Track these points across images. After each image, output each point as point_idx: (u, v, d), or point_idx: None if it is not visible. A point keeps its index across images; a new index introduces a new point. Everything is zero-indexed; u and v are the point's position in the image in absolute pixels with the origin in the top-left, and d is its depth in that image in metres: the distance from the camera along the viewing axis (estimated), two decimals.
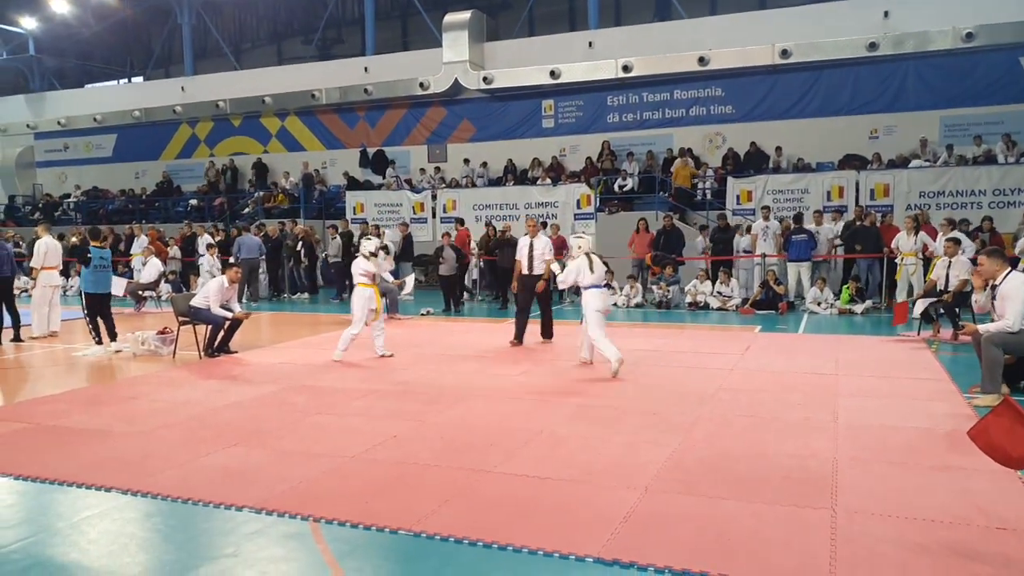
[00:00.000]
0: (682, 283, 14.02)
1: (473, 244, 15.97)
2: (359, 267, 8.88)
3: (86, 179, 25.66)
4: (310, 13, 24.14)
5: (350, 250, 15.52)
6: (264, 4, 24.20)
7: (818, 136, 17.10)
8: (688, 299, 13.61)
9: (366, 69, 20.99)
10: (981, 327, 6.72)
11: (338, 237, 16.58)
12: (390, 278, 13.41)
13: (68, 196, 25.28)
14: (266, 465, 5.04)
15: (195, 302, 9.31)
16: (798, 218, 14.11)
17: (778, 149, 17.13)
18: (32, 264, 10.93)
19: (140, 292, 14.89)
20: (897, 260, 12.68)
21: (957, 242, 10.25)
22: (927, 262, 12.18)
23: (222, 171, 23.30)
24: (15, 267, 10.73)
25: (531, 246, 9.97)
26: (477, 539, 3.79)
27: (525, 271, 9.96)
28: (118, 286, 14.95)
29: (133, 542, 3.96)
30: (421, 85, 19.82)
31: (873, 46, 15.97)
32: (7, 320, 10.60)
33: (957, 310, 9.91)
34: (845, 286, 13.06)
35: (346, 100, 21.28)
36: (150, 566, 3.67)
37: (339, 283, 16.36)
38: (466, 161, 20.17)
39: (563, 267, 8.60)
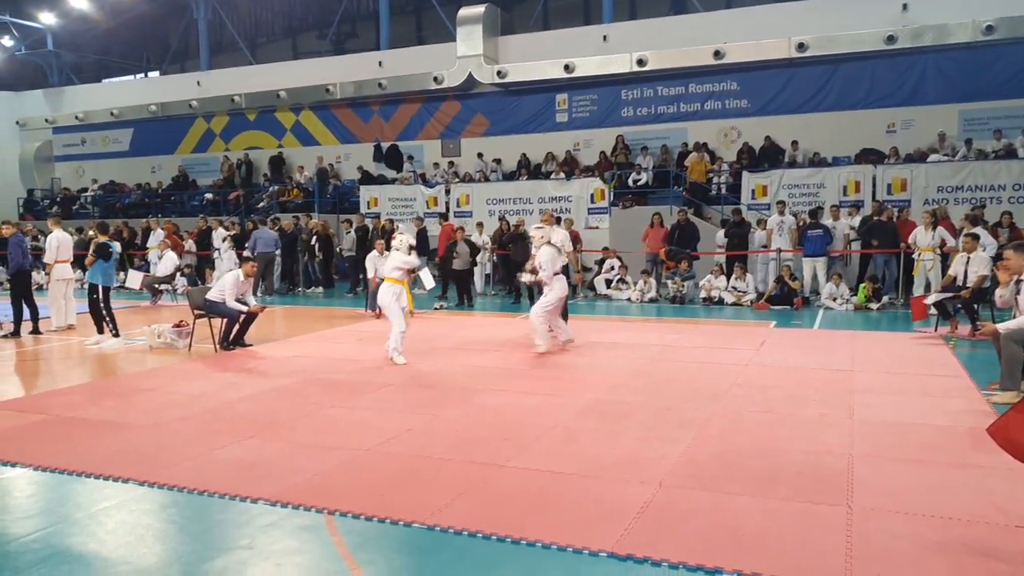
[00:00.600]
0: (697, 278, 13.95)
1: (486, 237, 15.96)
2: (398, 261, 8.37)
3: (103, 173, 25.87)
4: (325, 8, 24.16)
5: (364, 244, 15.56)
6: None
7: (834, 130, 16.93)
8: (703, 294, 13.55)
9: (380, 63, 20.99)
10: (1000, 325, 6.65)
11: (352, 231, 16.62)
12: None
13: (85, 190, 25.50)
14: (281, 458, 5.07)
15: (211, 295, 9.36)
16: (814, 213, 13.99)
17: (794, 143, 16.99)
18: (45, 259, 11.01)
19: (156, 285, 15.01)
20: (914, 256, 12.55)
21: (976, 238, 10.13)
22: (945, 258, 12.05)
23: (237, 165, 23.42)
24: (33, 261, 10.82)
25: (549, 241, 10.05)
26: (491, 533, 3.80)
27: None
28: (135, 279, 15.10)
29: (149, 533, 4.00)
30: (435, 79, 19.80)
31: (891, 39, 15.78)
32: (26, 313, 10.71)
33: (976, 306, 9.80)
34: (862, 285, 12.93)
35: (360, 94, 21.30)
36: (166, 557, 3.70)
37: (353, 277, 16.42)
38: (479, 155, 20.15)
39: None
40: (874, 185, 15.18)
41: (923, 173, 14.92)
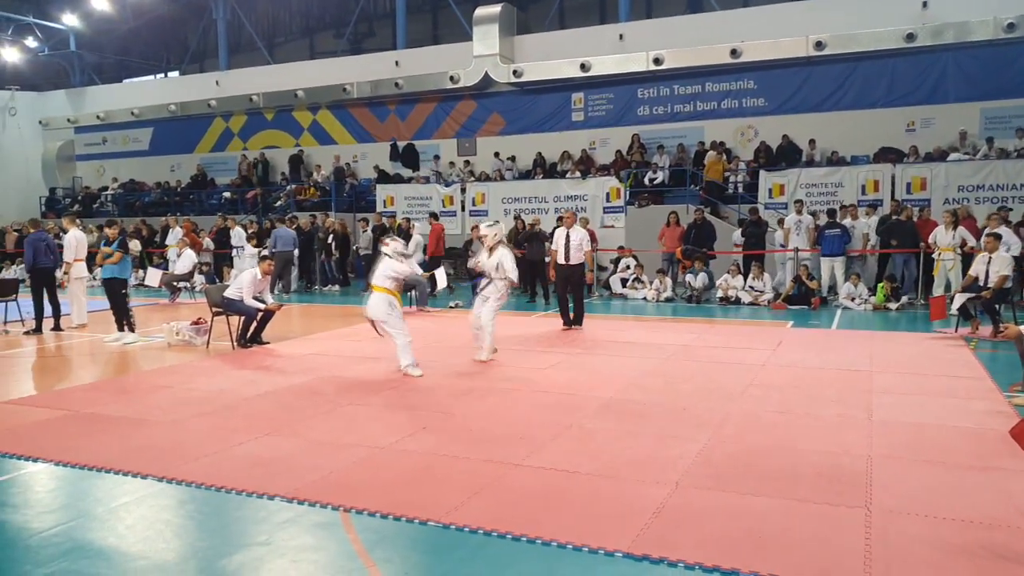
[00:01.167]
0: (713, 277, 13.87)
1: (504, 235, 15.93)
2: (389, 269, 7.73)
3: (123, 172, 26.15)
4: (342, 7, 24.29)
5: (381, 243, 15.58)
6: None
7: (853, 129, 16.77)
8: (719, 293, 13.48)
9: (397, 63, 21.06)
10: None
11: (369, 230, 16.68)
12: (419, 271, 13.50)
13: (106, 189, 25.79)
14: (297, 454, 5.10)
15: (228, 293, 9.43)
16: (832, 212, 13.87)
17: (811, 142, 16.86)
18: (66, 258, 11.14)
19: (175, 283, 15.15)
20: (934, 255, 12.41)
21: (998, 237, 10.00)
22: (966, 258, 11.90)
23: (254, 164, 23.58)
24: (58, 258, 10.94)
25: (567, 237, 10.38)
26: (506, 531, 3.80)
27: (561, 260, 10.46)
28: (153, 277, 15.25)
29: (168, 528, 4.04)
30: (451, 79, 19.83)
31: (911, 37, 15.62)
32: (47, 310, 10.84)
33: (997, 307, 9.68)
34: (880, 285, 12.82)
35: (377, 94, 21.38)
36: (184, 552, 3.74)
37: (369, 276, 16.45)
38: (496, 155, 20.16)
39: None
40: (893, 184, 15.03)
41: (943, 172, 14.75)
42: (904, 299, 12.65)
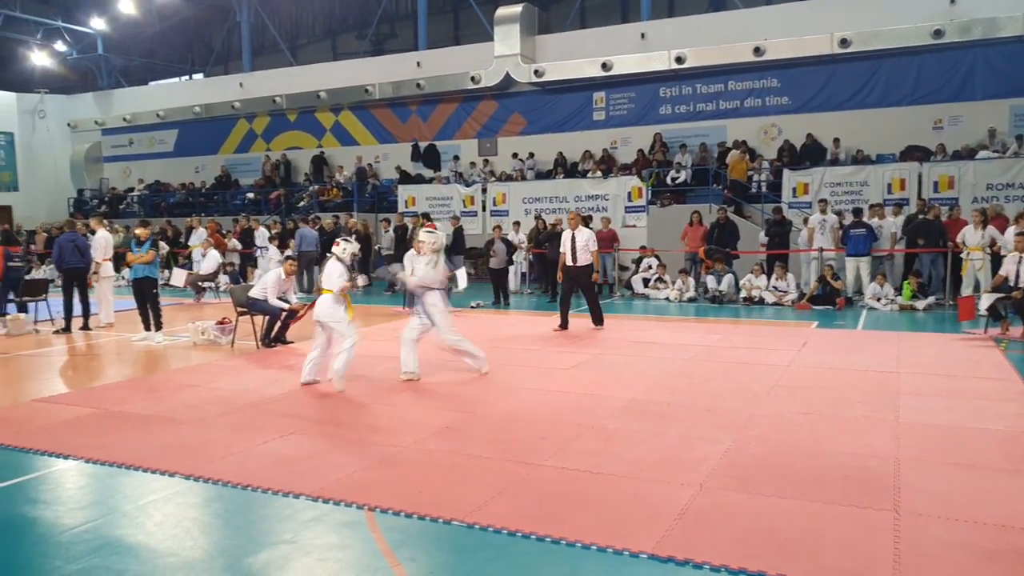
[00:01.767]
0: (737, 277, 13.77)
1: (521, 236, 15.97)
2: (335, 275, 7.22)
3: (149, 173, 26.50)
4: (364, 9, 24.43)
5: (403, 243, 15.71)
6: (319, 1, 24.61)
7: (878, 127, 16.55)
8: (743, 294, 13.37)
9: (418, 64, 21.13)
10: None
11: (391, 230, 16.76)
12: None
13: (132, 190, 26.15)
14: (322, 453, 5.14)
15: (253, 293, 9.52)
16: (857, 211, 13.70)
17: (836, 141, 16.66)
18: (96, 258, 11.31)
19: (200, 283, 15.32)
20: (962, 255, 12.22)
21: None
22: (995, 258, 11.71)
23: (276, 165, 23.79)
24: (89, 259, 11.10)
25: (573, 238, 10.46)
26: (530, 532, 3.80)
27: (569, 262, 10.50)
28: (179, 277, 15.43)
29: (195, 526, 4.09)
30: (472, 79, 19.85)
31: (938, 33, 15.37)
32: (76, 309, 11.01)
33: None
34: (906, 281, 12.65)
35: (399, 95, 21.47)
36: (211, 550, 3.78)
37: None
38: (514, 155, 20.17)
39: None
40: (920, 183, 14.82)
41: (971, 170, 14.51)
42: (932, 299, 12.47)
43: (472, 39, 21.59)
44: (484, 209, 18.87)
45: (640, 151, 18.41)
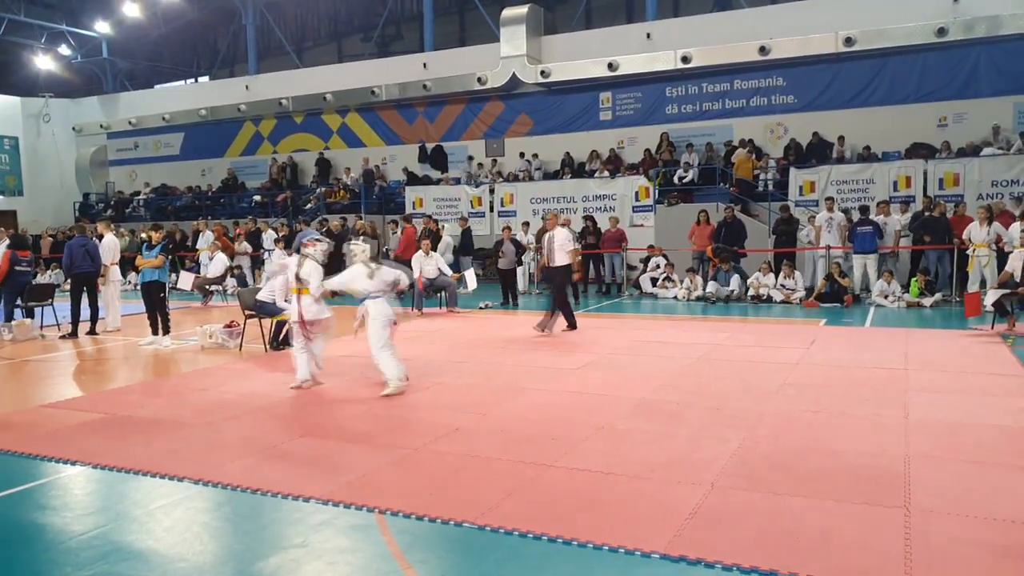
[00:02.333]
0: (745, 276, 13.72)
1: (530, 237, 15.96)
2: (315, 276, 7.31)
3: (155, 177, 26.57)
4: (369, 11, 24.46)
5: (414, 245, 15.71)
6: (325, 3, 24.65)
7: (884, 125, 16.50)
8: (751, 292, 13.33)
9: (424, 65, 21.14)
10: None
11: (399, 232, 16.76)
12: (449, 272, 13.57)
13: (138, 193, 26.22)
14: (331, 456, 5.14)
15: (261, 296, 9.53)
16: (864, 209, 13.65)
17: (841, 139, 16.61)
18: (104, 261, 11.34)
19: (207, 286, 15.36)
20: (968, 252, 12.17)
21: None
22: (1001, 254, 11.65)
23: (283, 167, 23.83)
24: (100, 262, 11.13)
25: (550, 239, 10.30)
26: (541, 533, 3.79)
27: (551, 264, 10.34)
28: (186, 281, 15.47)
29: (205, 531, 4.09)
30: (479, 80, 19.86)
31: (942, 31, 15.31)
32: (85, 313, 11.04)
33: None
34: (914, 279, 12.61)
35: (405, 96, 21.48)
36: (221, 555, 3.78)
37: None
38: (521, 155, 20.17)
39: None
40: (925, 180, 14.77)
41: (976, 167, 14.46)
42: (938, 296, 12.42)
43: (478, 40, 21.60)
44: (492, 210, 18.87)
45: (647, 151, 18.40)
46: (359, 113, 23.11)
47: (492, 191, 18.99)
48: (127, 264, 13.21)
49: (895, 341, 9.15)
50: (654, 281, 14.65)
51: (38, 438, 5.74)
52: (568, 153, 19.41)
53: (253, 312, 9.59)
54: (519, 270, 15.22)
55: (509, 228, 14.97)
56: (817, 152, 16.67)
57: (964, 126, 15.98)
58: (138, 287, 11.81)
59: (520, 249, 14.68)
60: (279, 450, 5.28)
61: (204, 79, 28.14)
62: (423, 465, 4.90)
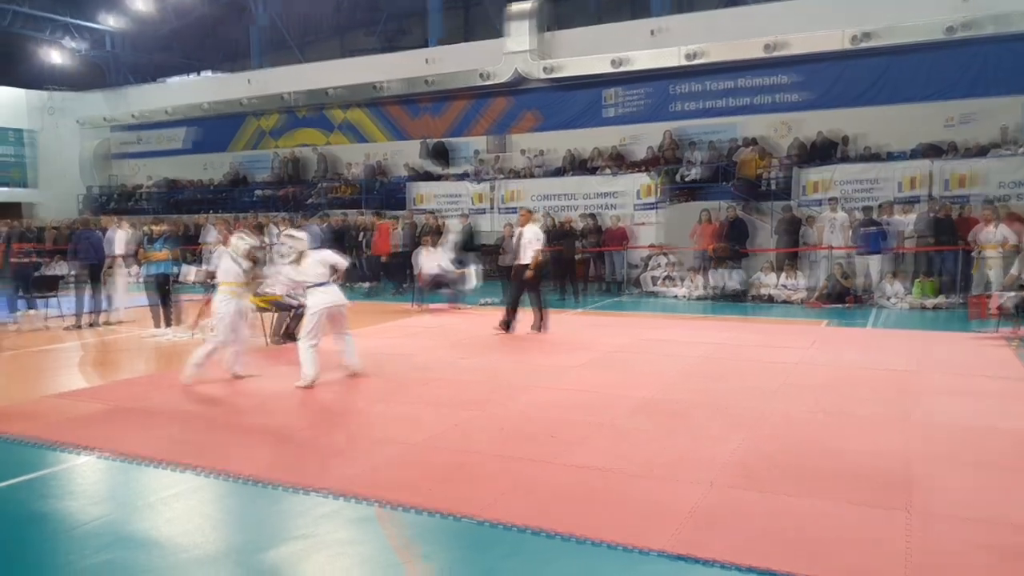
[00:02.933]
0: (748, 275, 13.73)
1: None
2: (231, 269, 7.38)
3: (159, 170, 26.56)
4: (373, 6, 24.44)
5: (413, 240, 15.75)
6: None
7: (891, 124, 16.43)
8: (752, 292, 13.33)
9: (428, 60, 21.12)
10: None
11: (400, 227, 16.77)
12: (451, 268, 13.58)
13: (141, 187, 26.26)
14: (334, 450, 5.16)
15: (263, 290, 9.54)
16: (868, 209, 13.62)
17: (846, 138, 16.58)
18: (111, 254, 11.39)
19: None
20: (973, 253, 12.15)
21: None
22: (1009, 256, 11.62)
23: (286, 162, 23.85)
24: (104, 255, 11.18)
25: (520, 235, 10.08)
26: (543, 529, 3.81)
27: (519, 261, 10.09)
28: (189, 274, 15.47)
29: (209, 521, 4.12)
30: (483, 76, 19.83)
31: (951, 30, 15.24)
32: (88, 305, 11.07)
33: None
34: (918, 280, 12.59)
35: (409, 92, 21.46)
36: (226, 546, 3.81)
37: (400, 273, 16.61)
38: (522, 151, 20.15)
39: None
40: (931, 181, 14.71)
41: (984, 168, 14.41)
42: (943, 298, 12.40)
43: (483, 35, 21.56)
44: (493, 207, 18.86)
45: (651, 148, 18.37)
46: (363, 108, 23.08)
47: (493, 187, 18.97)
48: (135, 256, 13.25)
49: (899, 342, 9.15)
50: (656, 280, 14.66)
51: (46, 427, 5.77)
52: (571, 150, 19.40)
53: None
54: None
55: (511, 225, 14.95)
56: (823, 151, 16.63)
57: (972, 127, 15.90)
58: (142, 280, 11.84)
59: None
60: (282, 442, 5.31)
61: (207, 73, 28.13)
62: (424, 461, 4.92)
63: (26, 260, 11.45)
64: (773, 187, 16.46)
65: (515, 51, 19.24)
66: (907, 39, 15.81)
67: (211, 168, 25.81)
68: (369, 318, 11.99)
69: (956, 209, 13.38)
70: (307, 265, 7.23)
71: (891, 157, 16.07)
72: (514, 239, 10.33)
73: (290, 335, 9.64)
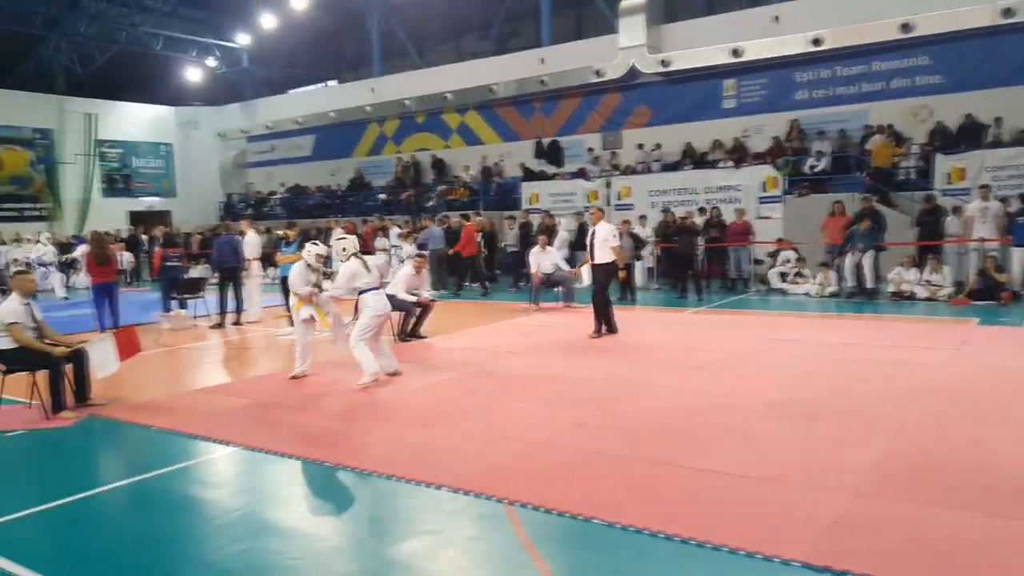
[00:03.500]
0: (884, 270, 12.89)
1: (649, 230, 15.68)
2: (303, 278, 7.66)
3: (289, 177, 28.10)
4: (487, 9, 24.75)
5: (527, 239, 15.85)
6: (444, 3, 25.14)
7: None
8: (891, 288, 12.51)
9: (542, 60, 21.20)
10: None
11: (516, 227, 16.93)
12: (565, 267, 13.55)
13: (274, 193, 27.85)
14: (460, 446, 5.24)
15: (388, 290, 9.84)
16: None
17: (997, 120, 15.23)
18: (247, 256, 12.12)
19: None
20: None
21: None
22: None
23: (406, 166, 24.59)
24: (243, 258, 11.90)
25: (592, 234, 9.78)
26: (672, 534, 3.70)
27: (593, 261, 9.81)
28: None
29: (344, 513, 4.28)
30: (596, 72, 19.69)
31: None
32: (231, 305, 11.82)
33: None
34: None
35: (522, 92, 21.63)
36: (360, 536, 3.94)
37: (515, 271, 16.77)
38: (640, 146, 19.84)
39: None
40: None
41: None
42: None
43: (594, 33, 21.40)
44: (608, 204, 18.67)
45: (775, 139, 17.64)
46: (477, 111, 23.47)
47: (608, 184, 18.78)
48: (269, 259, 14.05)
49: None
50: (783, 276, 14.03)
51: (194, 420, 6.19)
52: (689, 143, 18.91)
53: None
54: (637, 264, 14.97)
55: (628, 222, 14.74)
56: (968, 136, 15.38)
57: None
58: (277, 281, 12.52)
59: (638, 243, 14.44)
60: (410, 438, 5.44)
61: (333, 83, 29.45)
62: (549, 459, 4.90)
63: (177, 264, 12.35)
64: (911, 176, 15.40)
65: (629, 46, 18.98)
66: None
67: (338, 174, 27.02)
68: (484, 317, 12.16)
69: None
70: (363, 270, 7.43)
71: None
72: (587, 239, 10.08)
73: (414, 333, 9.92)
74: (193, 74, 28.84)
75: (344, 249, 7.46)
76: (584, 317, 11.48)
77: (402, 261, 14.40)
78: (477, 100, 22.75)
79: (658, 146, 19.46)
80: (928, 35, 15.71)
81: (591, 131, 21.35)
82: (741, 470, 4.54)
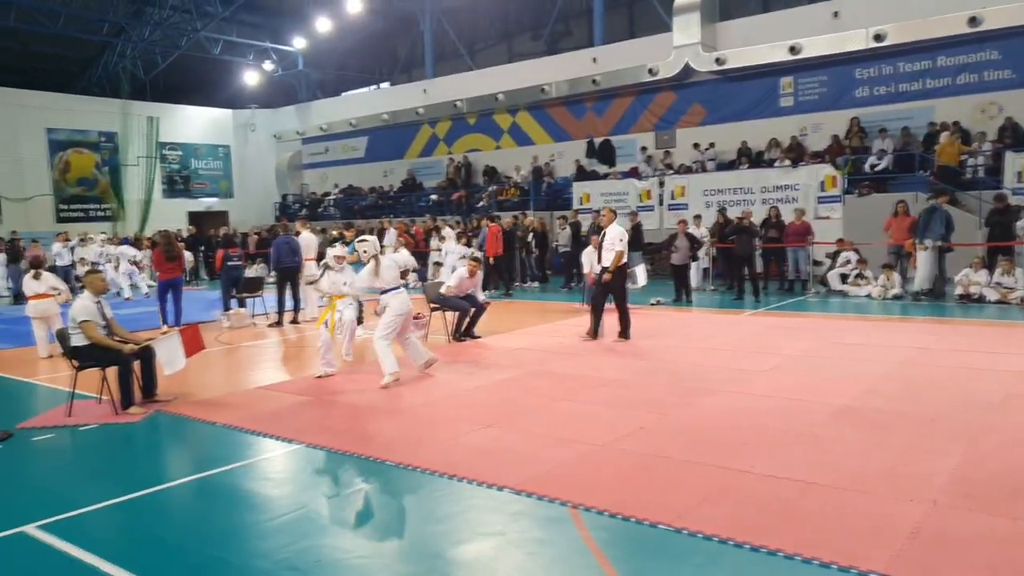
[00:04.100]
0: (950, 272, 12.43)
1: (704, 230, 15.43)
2: (360, 280, 7.91)
3: (343, 178, 28.52)
4: (539, 10, 24.72)
5: (579, 239, 15.76)
6: (495, 4, 25.20)
7: None
8: (959, 291, 12.07)
9: (594, 60, 21.08)
10: None
11: (568, 227, 16.84)
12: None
13: (328, 194, 28.30)
14: (520, 447, 5.21)
15: (443, 290, 9.90)
16: None
17: None
18: (306, 256, 12.31)
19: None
20: None
21: None
22: None
23: (458, 167, 24.72)
24: (302, 258, 12.09)
25: (603, 235, 9.62)
26: (743, 541, 3.61)
27: (598, 263, 9.70)
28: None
29: (407, 513, 4.28)
30: (650, 71, 19.48)
31: None
32: (289, 304, 12.02)
33: None
34: None
35: (574, 92, 21.54)
36: (423, 537, 3.93)
37: (567, 272, 16.69)
38: (695, 145, 19.55)
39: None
40: None
41: None
42: None
43: (648, 32, 21.19)
44: (661, 203, 18.46)
45: (834, 137, 17.20)
46: (529, 111, 23.45)
47: (662, 184, 18.55)
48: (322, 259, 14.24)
49: None
50: (844, 278, 13.66)
51: (256, 417, 6.29)
52: (745, 142, 18.56)
53: (437, 305, 9.98)
54: (693, 265, 14.75)
55: (684, 222, 14.53)
56: None
57: None
58: None
59: (695, 243, 14.22)
60: (470, 438, 5.43)
61: (385, 85, 29.79)
62: (612, 462, 4.84)
63: (237, 263, 12.63)
64: (979, 174, 14.84)
65: (683, 44, 18.73)
66: None
67: (391, 175, 27.32)
68: (536, 317, 12.12)
69: None
70: (383, 270, 7.55)
71: None
72: (598, 239, 9.94)
73: (469, 333, 9.94)
74: (250, 77, 29.51)
75: (366, 251, 7.60)
76: (640, 318, 11.35)
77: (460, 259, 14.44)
78: (528, 100, 22.73)
79: (712, 145, 19.16)
80: (997, 28, 15.13)
81: (644, 130, 21.14)
82: (811, 477, 4.41)
